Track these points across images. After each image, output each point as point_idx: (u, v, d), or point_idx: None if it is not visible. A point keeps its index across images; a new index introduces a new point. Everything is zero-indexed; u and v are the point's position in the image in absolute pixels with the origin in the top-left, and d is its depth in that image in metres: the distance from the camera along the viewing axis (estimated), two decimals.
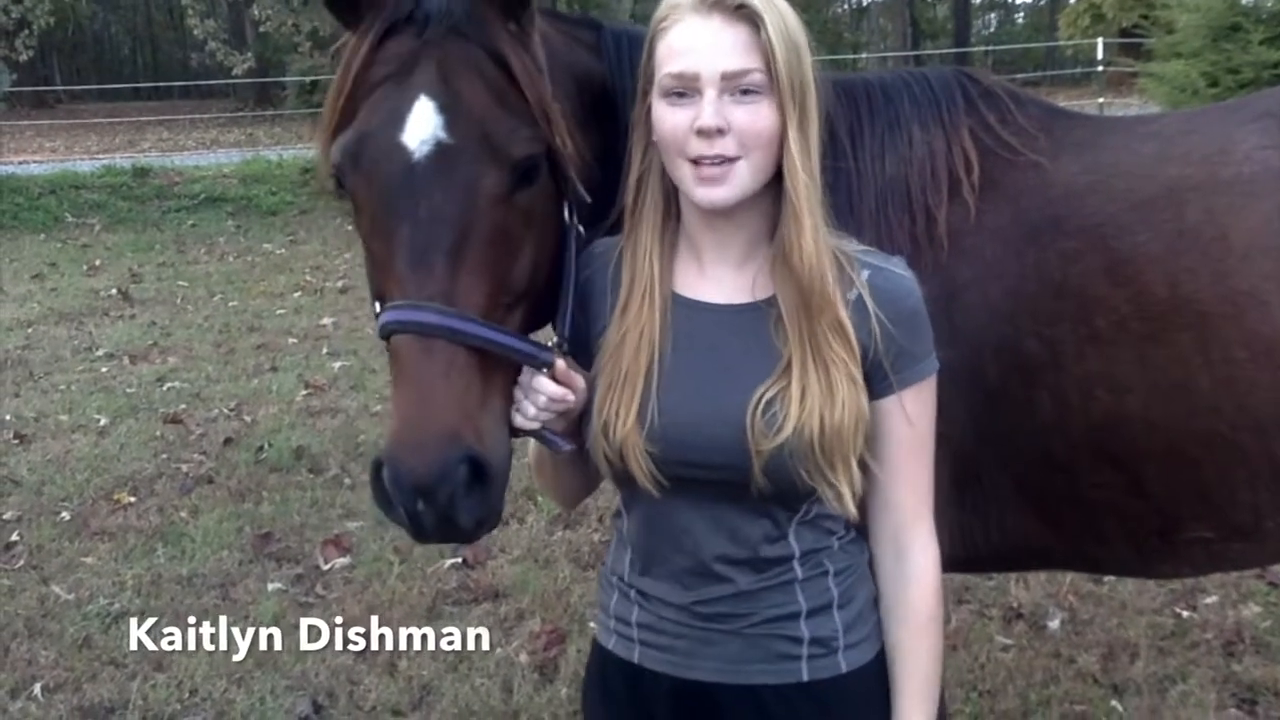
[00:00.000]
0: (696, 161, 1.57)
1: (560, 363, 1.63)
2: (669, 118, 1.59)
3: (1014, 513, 2.13)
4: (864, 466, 1.64)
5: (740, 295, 1.67)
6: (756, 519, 1.64)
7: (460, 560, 4.73)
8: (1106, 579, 4.31)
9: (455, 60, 1.64)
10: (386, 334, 1.60)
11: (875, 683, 1.70)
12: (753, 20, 1.55)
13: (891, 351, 1.62)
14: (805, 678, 1.65)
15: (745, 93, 1.56)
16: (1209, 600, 4.21)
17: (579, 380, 1.66)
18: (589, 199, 1.77)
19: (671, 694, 1.70)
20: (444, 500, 1.52)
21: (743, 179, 1.58)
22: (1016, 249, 2.04)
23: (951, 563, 2.15)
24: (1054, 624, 4.08)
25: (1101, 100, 19.91)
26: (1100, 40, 24.34)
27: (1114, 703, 3.63)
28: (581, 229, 1.77)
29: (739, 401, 1.58)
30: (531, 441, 1.76)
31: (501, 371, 1.63)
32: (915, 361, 1.64)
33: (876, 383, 1.63)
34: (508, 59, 1.65)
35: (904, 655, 1.69)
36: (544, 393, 1.61)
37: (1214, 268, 1.98)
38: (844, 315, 1.59)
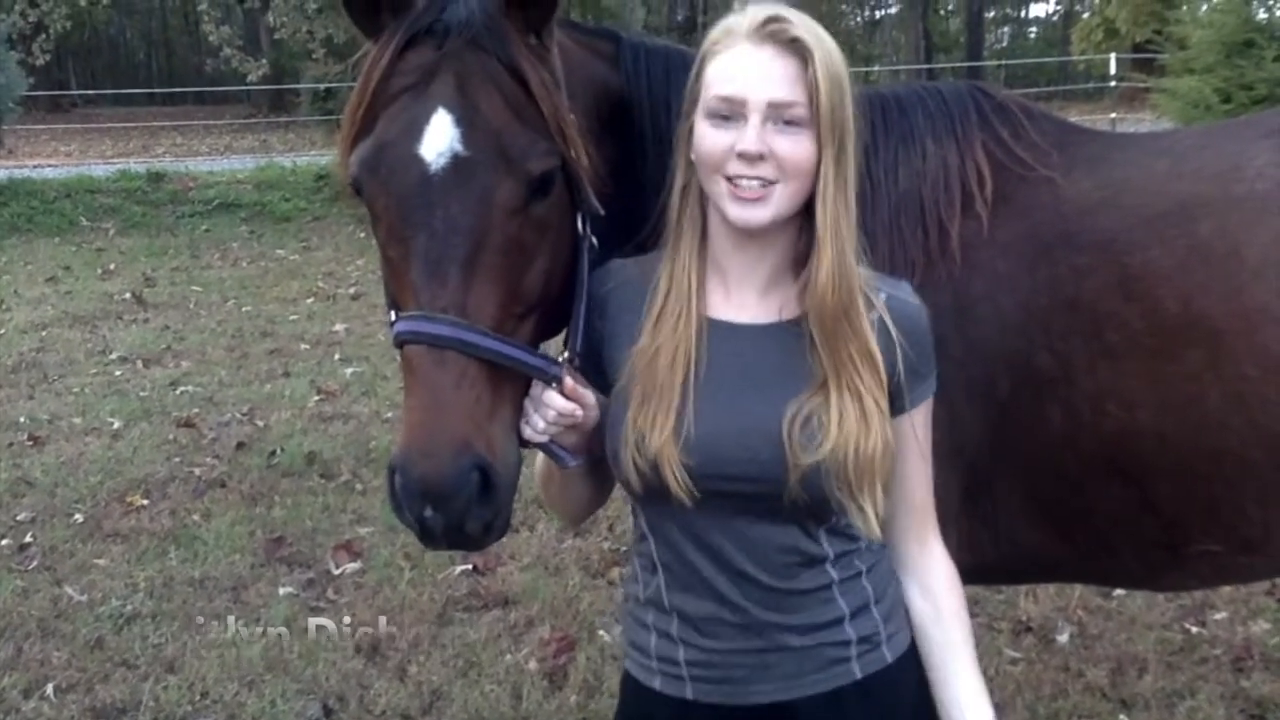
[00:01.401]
0: (732, 180, 1.60)
1: (569, 379, 1.66)
2: (710, 136, 1.62)
3: (1024, 525, 2.14)
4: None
5: (766, 317, 1.70)
6: (787, 527, 1.66)
7: (471, 567, 4.75)
8: (1116, 593, 4.31)
9: (474, 73, 1.66)
10: (400, 343, 1.63)
11: (914, 665, 1.76)
12: (803, 55, 1.59)
13: (909, 373, 1.68)
14: (859, 675, 1.70)
15: (788, 124, 1.59)
16: (1218, 616, 4.20)
17: (588, 396, 1.68)
18: (602, 211, 1.79)
19: None
20: (454, 508, 1.55)
21: (779, 202, 1.61)
22: (1029, 263, 2.05)
23: (961, 573, 2.16)
24: (1063, 638, 4.08)
25: (1114, 115, 19.86)
26: (1113, 55, 24.37)
27: (1122, 717, 3.63)
28: (595, 241, 1.79)
29: (775, 414, 1.61)
30: (539, 455, 1.78)
31: (512, 382, 1.65)
32: (924, 380, 1.72)
33: (893, 401, 1.68)
34: (525, 73, 1.67)
35: (943, 609, 1.77)
36: (553, 407, 1.64)
37: (1226, 284, 1.99)
38: (874, 345, 1.63)
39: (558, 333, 1.80)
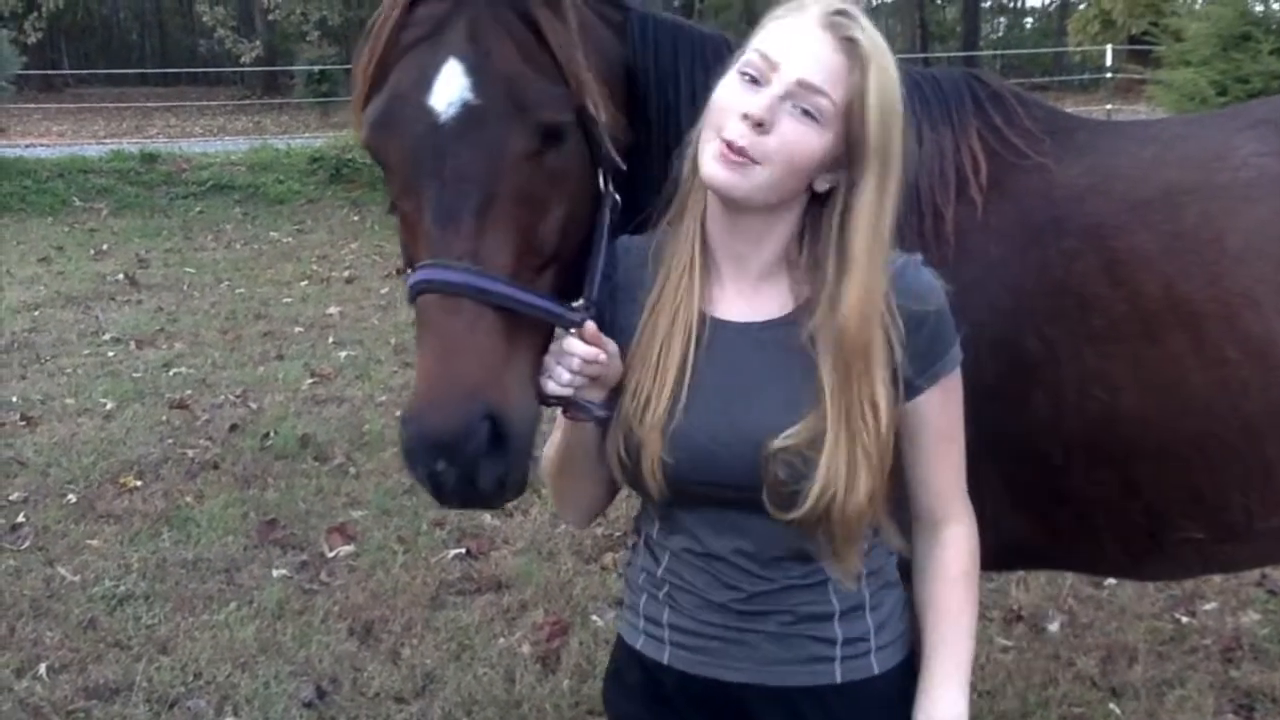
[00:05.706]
0: (728, 143, 1.54)
1: (590, 324, 1.61)
2: (730, 88, 1.56)
3: (1008, 511, 2.14)
4: (899, 455, 1.66)
5: (762, 312, 1.66)
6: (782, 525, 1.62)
7: (464, 551, 4.77)
8: (1107, 583, 4.34)
9: (486, 21, 1.64)
10: (414, 294, 1.58)
11: (905, 684, 1.70)
12: (855, 57, 1.53)
13: (918, 353, 1.61)
14: (839, 679, 1.66)
15: (806, 112, 1.53)
16: (1208, 606, 4.23)
17: (609, 344, 1.62)
18: (624, 166, 1.76)
19: (701, 695, 1.70)
20: (464, 459, 1.50)
21: (756, 182, 1.54)
22: (1020, 249, 2.06)
23: None
24: (1053, 626, 4.11)
25: (1109, 107, 19.87)
26: (1109, 47, 24.35)
27: (1112, 705, 3.65)
28: (618, 197, 1.75)
29: (758, 427, 1.57)
30: (546, 448, 1.75)
31: (529, 334, 1.61)
32: (939, 358, 1.64)
33: (903, 382, 1.62)
34: (539, 21, 1.65)
35: (934, 606, 1.70)
36: (576, 354, 1.58)
37: (1209, 270, 2.01)
38: (880, 392, 1.57)
39: (579, 294, 1.73)
